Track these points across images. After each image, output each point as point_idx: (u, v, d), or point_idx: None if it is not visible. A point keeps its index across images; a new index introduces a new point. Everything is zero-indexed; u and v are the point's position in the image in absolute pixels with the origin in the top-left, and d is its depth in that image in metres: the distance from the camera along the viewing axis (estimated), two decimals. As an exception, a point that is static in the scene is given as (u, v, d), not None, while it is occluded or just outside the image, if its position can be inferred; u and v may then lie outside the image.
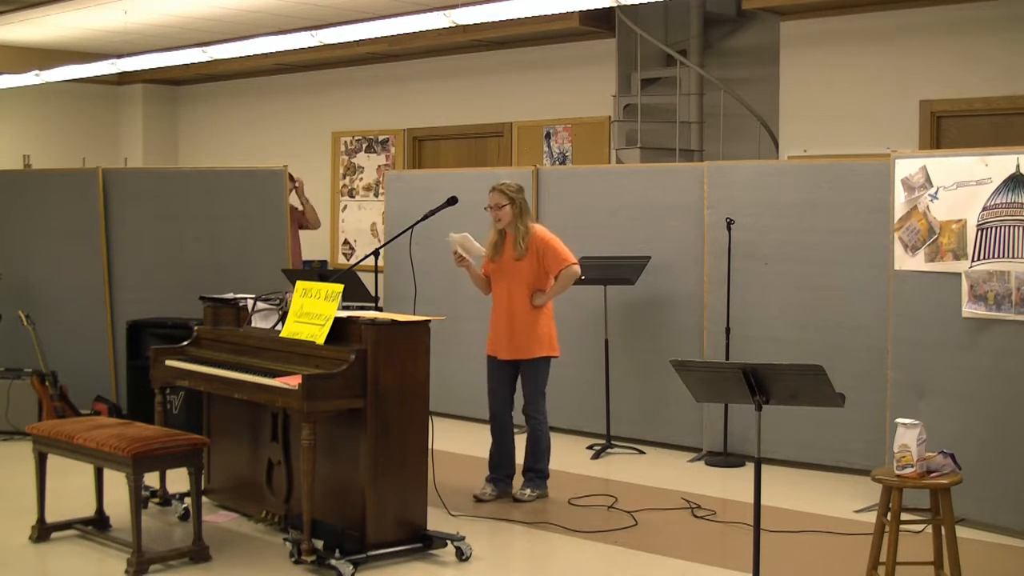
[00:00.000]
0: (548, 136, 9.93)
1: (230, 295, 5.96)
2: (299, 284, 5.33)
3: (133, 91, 12.98)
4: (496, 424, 6.11)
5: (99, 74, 11.17)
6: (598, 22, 9.12)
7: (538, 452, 6.10)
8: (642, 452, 7.27)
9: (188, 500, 5.27)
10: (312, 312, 5.13)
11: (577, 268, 6.03)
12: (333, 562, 4.72)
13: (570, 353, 7.08)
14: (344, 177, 11.41)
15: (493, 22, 8.45)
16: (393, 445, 4.98)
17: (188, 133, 13.17)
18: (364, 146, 11.29)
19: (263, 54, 10.29)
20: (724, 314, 6.91)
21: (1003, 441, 5.44)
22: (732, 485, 6.48)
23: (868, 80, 7.89)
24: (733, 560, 4.99)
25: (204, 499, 5.25)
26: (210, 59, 10.23)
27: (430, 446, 5.20)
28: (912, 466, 4.21)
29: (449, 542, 5.08)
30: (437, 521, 5.34)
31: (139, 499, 4.86)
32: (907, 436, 4.23)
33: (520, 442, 6.16)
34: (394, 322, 5.04)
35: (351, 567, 4.73)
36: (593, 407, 7.48)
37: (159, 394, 5.80)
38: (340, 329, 5.04)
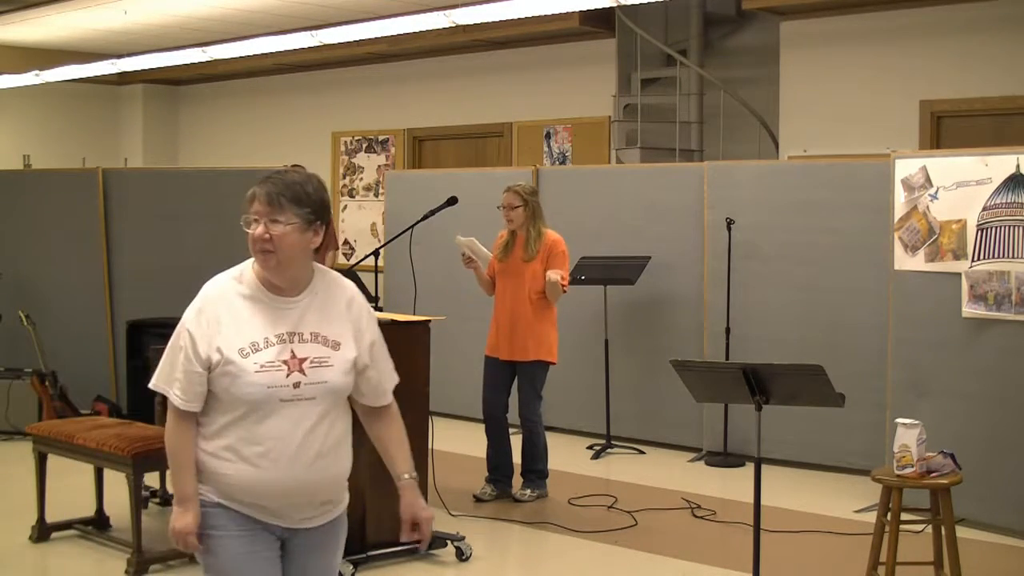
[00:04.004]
0: (548, 136, 9.93)
1: (230, 295, 5.94)
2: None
3: (133, 91, 12.98)
4: (491, 427, 6.11)
5: (99, 74, 11.17)
6: (598, 22, 9.11)
7: (535, 455, 6.10)
8: (642, 452, 7.27)
9: (188, 500, 5.26)
10: (312, 312, 5.12)
11: (565, 289, 5.93)
12: (333, 562, 4.72)
13: (570, 353, 7.09)
14: (344, 177, 11.41)
15: (493, 22, 8.44)
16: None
17: (188, 133, 13.17)
18: (364, 146, 11.29)
19: (263, 54, 10.29)
20: (724, 314, 6.91)
21: (1003, 441, 5.44)
22: (732, 485, 6.48)
23: (868, 80, 7.88)
24: (733, 560, 4.99)
25: (204, 499, 5.24)
26: (210, 59, 10.23)
27: (430, 446, 5.20)
28: (912, 466, 4.21)
29: (449, 542, 5.08)
30: (437, 521, 5.29)
31: (139, 499, 4.87)
32: (907, 436, 4.23)
33: (516, 443, 6.16)
34: (394, 322, 5.04)
35: (351, 567, 4.73)
36: (593, 407, 7.48)
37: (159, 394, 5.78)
38: (340, 329, 5.02)
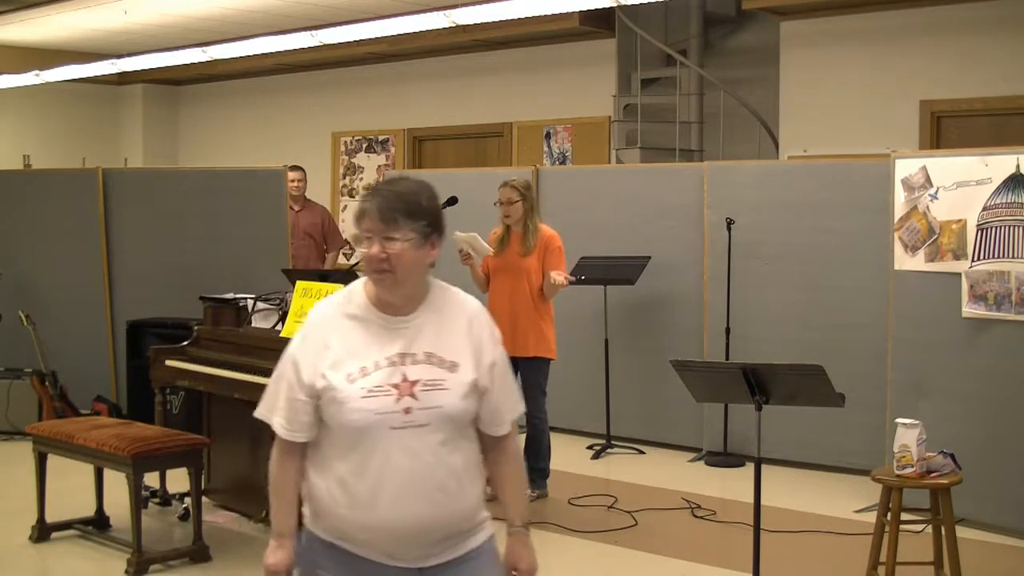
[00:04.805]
0: (548, 136, 9.93)
1: (230, 295, 5.96)
2: (299, 284, 5.33)
3: (133, 91, 12.99)
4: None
5: (99, 74, 11.18)
6: (598, 22, 9.12)
7: (539, 452, 6.09)
8: (642, 452, 7.27)
9: (188, 500, 5.27)
10: (312, 312, 5.13)
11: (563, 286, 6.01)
12: (333, 562, 4.72)
13: (570, 353, 7.09)
14: (344, 177, 11.41)
15: (493, 22, 8.45)
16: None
17: (188, 133, 13.17)
18: (364, 146, 11.29)
19: (263, 54, 10.29)
20: (724, 314, 6.91)
21: (1003, 441, 5.44)
22: (732, 485, 6.48)
23: (868, 80, 7.89)
24: (733, 560, 4.99)
25: (204, 499, 5.25)
26: (210, 59, 10.24)
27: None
28: (912, 466, 4.22)
29: (449, 542, 5.07)
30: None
31: (139, 499, 4.87)
32: (907, 436, 4.23)
33: (519, 442, 6.16)
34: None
35: (351, 567, 4.72)
36: (593, 407, 7.47)
37: (159, 394, 5.79)
38: (340, 329, 5.03)
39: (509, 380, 2.58)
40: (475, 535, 2.54)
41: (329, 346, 2.43)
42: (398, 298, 2.44)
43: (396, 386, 2.38)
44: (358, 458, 2.38)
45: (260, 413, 2.54)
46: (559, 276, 5.84)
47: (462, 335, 2.48)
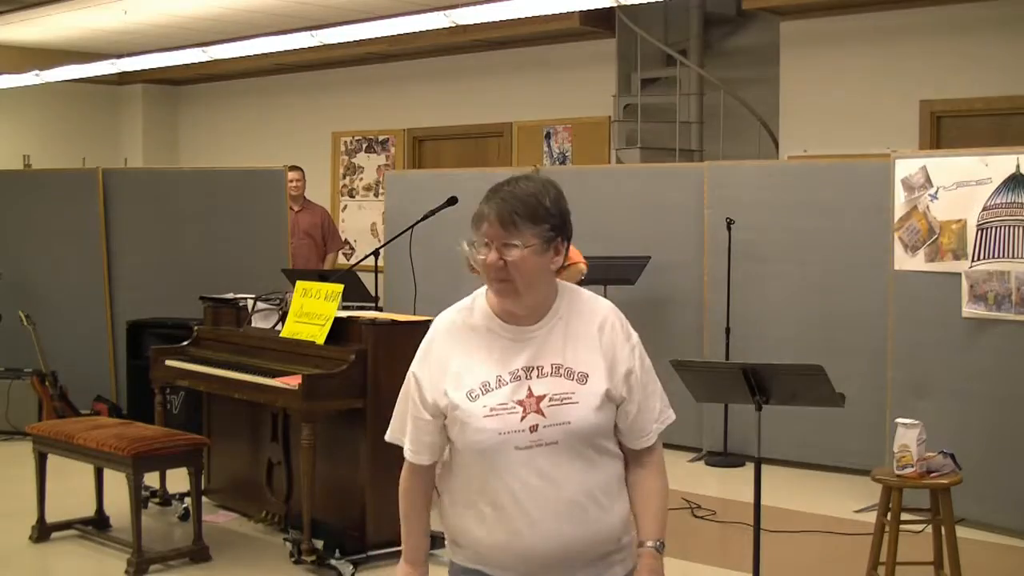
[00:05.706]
0: (548, 136, 9.93)
1: (230, 295, 5.95)
2: (299, 284, 5.33)
3: (133, 91, 12.98)
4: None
5: (99, 74, 11.18)
6: (598, 22, 9.11)
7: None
8: (642, 452, 7.26)
9: (188, 500, 5.27)
10: (312, 312, 5.14)
11: (583, 267, 6.05)
12: (333, 562, 4.73)
13: (570, 353, 7.07)
14: (344, 177, 11.41)
15: (493, 22, 8.44)
16: (393, 445, 4.97)
17: (188, 133, 13.17)
18: (364, 146, 11.29)
19: (263, 54, 10.29)
20: (724, 314, 6.91)
21: (1003, 441, 5.44)
22: (732, 485, 6.48)
23: (868, 80, 7.89)
24: (733, 560, 4.99)
25: (204, 499, 5.25)
26: (210, 59, 10.23)
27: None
28: (912, 466, 4.21)
29: (449, 542, 5.07)
30: (437, 521, 5.32)
31: (139, 499, 4.87)
32: (907, 436, 4.23)
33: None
34: (394, 322, 5.04)
35: (351, 567, 4.73)
36: (593, 407, 7.46)
37: (159, 394, 5.79)
38: (340, 329, 5.04)
39: (651, 388, 2.38)
40: (615, 566, 2.35)
41: (451, 361, 2.30)
42: (522, 308, 2.28)
43: (521, 403, 2.22)
44: (485, 480, 2.26)
45: (390, 437, 2.45)
46: None
47: (593, 342, 2.31)
